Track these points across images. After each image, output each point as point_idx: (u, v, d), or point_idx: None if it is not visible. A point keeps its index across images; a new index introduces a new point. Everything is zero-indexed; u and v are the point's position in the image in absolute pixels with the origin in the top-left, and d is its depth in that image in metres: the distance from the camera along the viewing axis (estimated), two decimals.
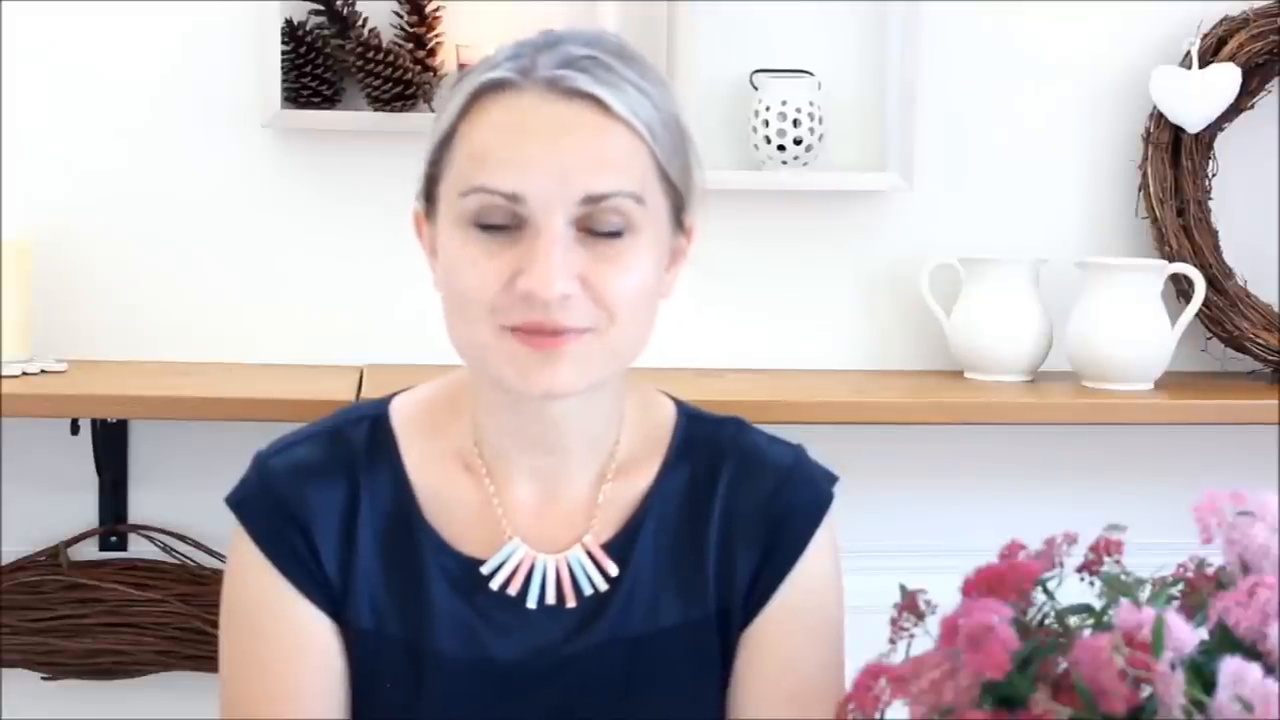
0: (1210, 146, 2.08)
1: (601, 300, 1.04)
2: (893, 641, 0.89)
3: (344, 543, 1.12)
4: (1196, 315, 1.97)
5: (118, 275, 1.95)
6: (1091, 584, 0.89)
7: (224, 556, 1.87)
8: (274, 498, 1.12)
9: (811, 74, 2.02)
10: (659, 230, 1.08)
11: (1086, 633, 0.83)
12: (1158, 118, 2.05)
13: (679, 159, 1.09)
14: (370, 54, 1.91)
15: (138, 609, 1.90)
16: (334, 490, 1.12)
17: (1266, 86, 2.10)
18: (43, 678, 1.92)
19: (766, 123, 1.98)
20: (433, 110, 1.56)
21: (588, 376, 1.05)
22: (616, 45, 1.08)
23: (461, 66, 1.84)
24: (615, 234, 1.04)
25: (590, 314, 1.04)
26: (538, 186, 1.02)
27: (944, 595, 0.89)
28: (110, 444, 1.93)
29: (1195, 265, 1.99)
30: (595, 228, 1.04)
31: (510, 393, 1.07)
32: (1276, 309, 2.08)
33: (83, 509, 1.95)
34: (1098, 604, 0.86)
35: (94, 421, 1.89)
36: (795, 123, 1.97)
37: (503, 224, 1.04)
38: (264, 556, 1.11)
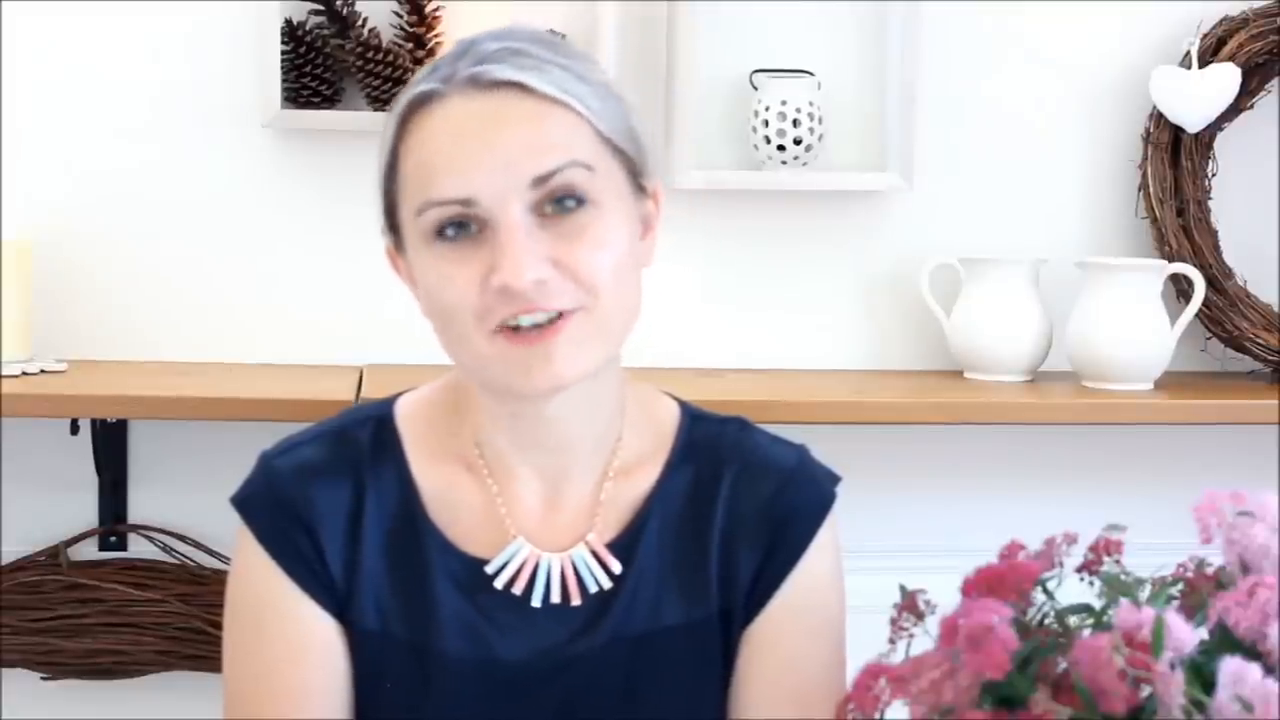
0: (1210, 146, 2.08)
1: (579, 278, 1.03)
2: (893, 641, 0.89)
3: (349, 543, 1.12)
4: (1196, 315, 1.97)
5: (118, 275, 1.95)
6: (1091, 584, 0.89)
7: (224, 556, 1.89)
8: (279, 497, 1.12)
9: (811, 74, 2.01)
10: (621, 199, 1.07)
11: (1086, 633, 0.83)
12: (1158, 118, 2.05)
13: (621, 124, 1.08)
14: (370, 54, 1.91)
15: (137, 609, 1.90)
16: (339, 490, 1.12)
17: (1266, 86, 2.10)
18: (43, 678, 1.92)
19: (766, 123, 1.98)
20: None
21: (587, 359, 1.05)
22: (531, 33, 1.09)
23: None
24: (574, 207, 1.04)
25: (572, 294, 1.03)
26: (485, 184, 1.02)
27: (944, 595, 0.89)
28: (110, 444, 1.93)
29: (1195, 265, 1.99)
30: (552, 206, 1.03)
31: (515, 395, 1.07)
32: (1276, 309, 2.08)
33: (83, 509, 1.95)
34: (1098, 604, 0.86)
35: (94, 421, 1.89)
36: (795, 123, 1.97)
37: (464, 230, 1.03)
38: (268, 556, 1.12)
